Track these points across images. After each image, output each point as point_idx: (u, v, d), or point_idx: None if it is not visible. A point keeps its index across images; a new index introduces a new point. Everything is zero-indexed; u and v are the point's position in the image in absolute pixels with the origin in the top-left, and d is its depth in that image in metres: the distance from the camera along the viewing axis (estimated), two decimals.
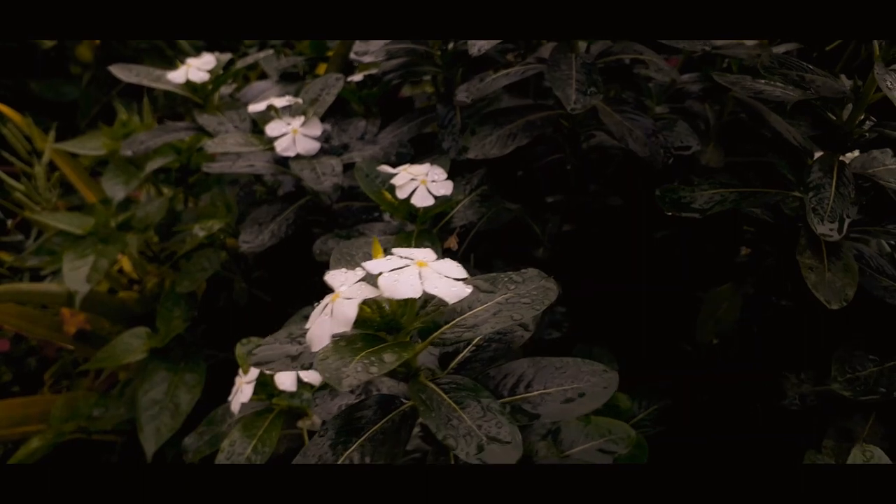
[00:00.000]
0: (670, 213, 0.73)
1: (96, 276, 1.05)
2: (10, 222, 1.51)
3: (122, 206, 1.18)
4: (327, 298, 0.45)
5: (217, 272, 1.09)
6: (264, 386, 0.74)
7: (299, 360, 0.49)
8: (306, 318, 0.83)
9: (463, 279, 0.46)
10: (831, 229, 0.66)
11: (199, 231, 0.97)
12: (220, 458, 0.72)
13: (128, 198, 1.20)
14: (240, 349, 0.78)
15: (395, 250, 0.47)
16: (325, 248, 0.83)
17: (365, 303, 0.45)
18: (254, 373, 0.74)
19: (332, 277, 0.47)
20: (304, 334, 0.50)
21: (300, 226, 0.92)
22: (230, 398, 0.75)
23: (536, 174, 0.96)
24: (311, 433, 0.77)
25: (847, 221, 0.66)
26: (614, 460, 0.62)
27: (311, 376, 0.74)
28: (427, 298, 0.49)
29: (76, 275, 1.04)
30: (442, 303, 0.47)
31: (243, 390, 0.73)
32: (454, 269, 0.46)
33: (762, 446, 0.79)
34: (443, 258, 0.47)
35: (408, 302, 0.47)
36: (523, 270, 0.51)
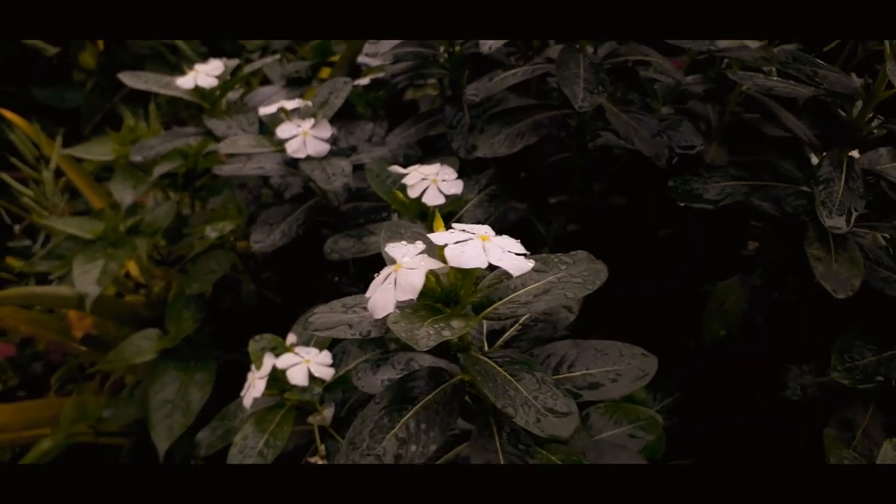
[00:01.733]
0: (683, 204, 0.75)
1: (106, 279, 1.06)
2: (17, 227, 1.52)
3: (129, 211, 1.20)
4: (388, 269, 0.47)
5: (225, 274, 1.10)
6: (276, 381, 0.75)
7: (358, 328, 0.50)
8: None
9: (524, 254, 0.47)
10: (840, 222, 0.68)
11: (212, 232, 0.98)
12: (233, 452, 0.73)
13: (135, 203, 1.21)
14: (253, 346, 0.79)
15: (455, 225, 0.48)
16: (335, 248, 0.84)
17: (429, 273, 0.47)
18: (266, 368, 0.75)
19: (392, 249, 0.48)
20: (357, 305, 0.52)
21: (310, 226, 0.94)
22: (242, 393, 0.76)
23: (543, 173, 0.97)
24: (322, 429, 0.78)
25: (854, 215, 0.68)
26: (642, 448, 0.64)
27: (323, 371, 0.76)
28: (480, 276, 0.50)
29: (86, 278, 1.05)
30: (500, 278, 0.49)
31: (256, 385, 0.75)
32: (514, 244, 0.48)
33: (767, 435, 0.80)
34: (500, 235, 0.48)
35: (468, 275, 0.48)
36: (573, 252, 0.53)
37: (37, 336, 1.28)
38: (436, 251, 0.47)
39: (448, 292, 0.48)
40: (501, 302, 0.50)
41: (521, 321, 0.57)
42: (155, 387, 1.05)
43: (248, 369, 0.78)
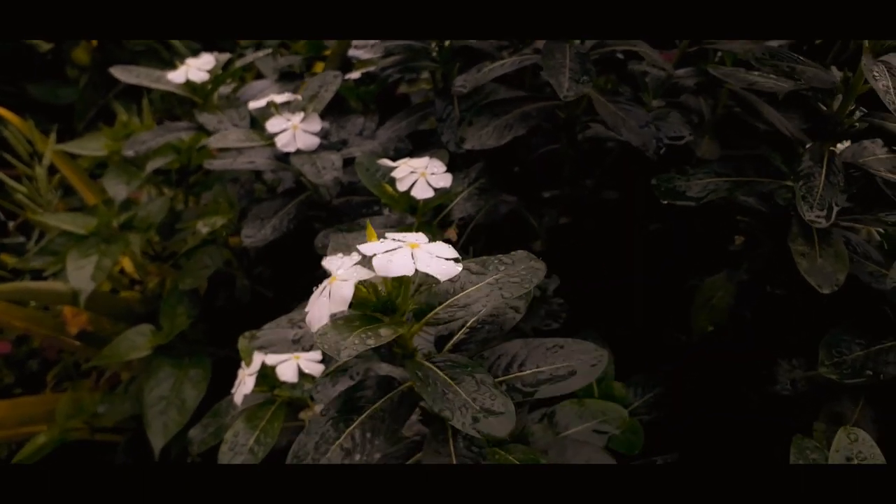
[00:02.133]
0: (666, 202, 0.74)
1: (100, 275, 1.06)
2: (11, 224, 1.52)
3: (123, 207, 1.19)
4: (325, 282, 0.47)
5: (218, 269, 1.10)
6: (266, 378, 0.75)
7: (300, 343, 0.51)
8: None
9: (454, 259, 0.47)
10: (819, 216, 0.68)
11: (203, 227, 0.98)
12: (224, 449, 0.73)
13: (128, 199, 1.21)
14: (242, 342, 0.79)
15: (388, 234, 0.49)
16: (326, 242, 0.84)
17: (361, 284, 0.47)
18: (256, 365, 0.75)
19: (329, 262, 0.49)
20: (303, 319, 0.52)
21: (301, 220, 0.94)
22: (233, 390, 0.76)
23: (533, 166, 0.97)
24: None
25: (836, 209, 0.68)
26: (608, 441, 0.64)
27: (312, 368, 0.76)
28: (421, 282, 0.51)
29: (80, 274, 1.05)
30: (435, 283, 0.49)
31: (246, 382, 0.75)
32: (445, 249, 0.48)
33: (756, 430, 0.80)
34: (435, 241, 0.49)
35: (402, 282, 0.49)
36: (512, 252, 0.53)
37: (32, 333, 1.27)
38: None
39: (385, 301, 0.49)
40: (441, 307, 0.50)
41: (468, 324, 0.58)
42: (150, 383, 1.05)
43: (239, 370, 0.78)
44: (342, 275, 0.47)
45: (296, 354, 0.76)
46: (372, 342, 0.44)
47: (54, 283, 1.20)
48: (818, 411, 0.73)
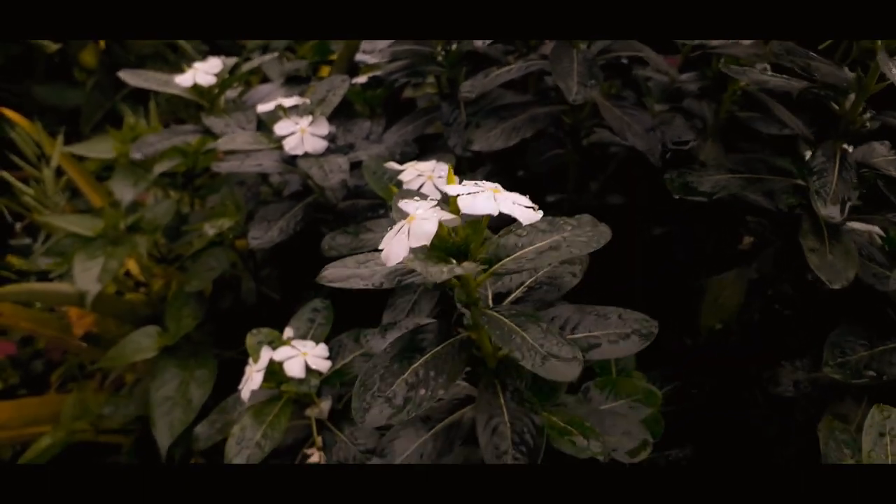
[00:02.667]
0: (678, 196, 0.75)
1: (106, 276, 1.06)
2: (18, 225, 1.53)
3: (129, 209, 1.20)
4: (402, 222, 0.49)
5: (224, 272, 1.10)
6: (273, 374, 0.76)
7: (370, 280, 0.53)
8: (315, 310, 0.86)
9: (532, 207, 0.49)
10: (834, 211, 0.69)
11: (210, 229, 0.99)
12: (231, 443, 0.74)
13: (135, 201, 1.22)
14: (250, 339, 0.80)
15: (465, 182, 0.50)
16: (333, 244, 0.84)
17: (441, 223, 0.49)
18: (263, 361, 0.76)
19: (405, 205, 0.50)
20: (369, 261, 0.54)
21: (308, 223, 0.94)
22: (240, 386, 0.77)
23: (538, 171, 0.97)
24: (319, 421, 0.79)
25: (848, 204, 0.69)
26: (642, 420, 0.65)
27: (319, 364, 0.77)
28: (487, 237, 0.52)
29: (87, 275, 1.06)
30: (508, 232, 0.52)
31: (253, 378, 0.75)
32: (523, 199, 0.50)
33: (760, 431, 0.81)
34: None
35: (478, 228, 0.50)
36: (578, 216, 0.55)
37: (37, 334, 1.28)
38: (448, 204, 0.49)
39: (458, 245, 0.50)
40: (510, 258, 0.52)
41: (526, 284, 0.60)
42: (156, 383, 1.06)
43: (246, 366, 0.78)
44: (422, 214, 0.48)
45: (303, 351, 0.77)
46: (459, 271, 0.46)
47: (60, 285, 1.21)
48: (821, 412, 0.74)
